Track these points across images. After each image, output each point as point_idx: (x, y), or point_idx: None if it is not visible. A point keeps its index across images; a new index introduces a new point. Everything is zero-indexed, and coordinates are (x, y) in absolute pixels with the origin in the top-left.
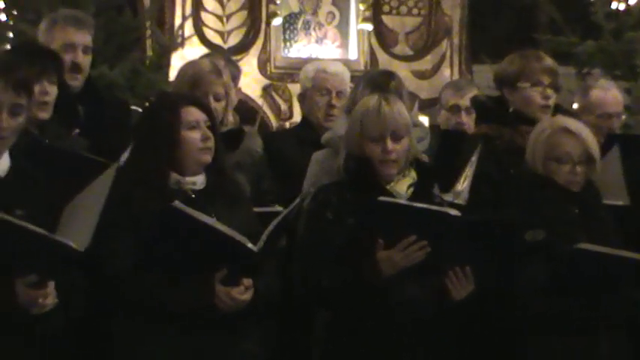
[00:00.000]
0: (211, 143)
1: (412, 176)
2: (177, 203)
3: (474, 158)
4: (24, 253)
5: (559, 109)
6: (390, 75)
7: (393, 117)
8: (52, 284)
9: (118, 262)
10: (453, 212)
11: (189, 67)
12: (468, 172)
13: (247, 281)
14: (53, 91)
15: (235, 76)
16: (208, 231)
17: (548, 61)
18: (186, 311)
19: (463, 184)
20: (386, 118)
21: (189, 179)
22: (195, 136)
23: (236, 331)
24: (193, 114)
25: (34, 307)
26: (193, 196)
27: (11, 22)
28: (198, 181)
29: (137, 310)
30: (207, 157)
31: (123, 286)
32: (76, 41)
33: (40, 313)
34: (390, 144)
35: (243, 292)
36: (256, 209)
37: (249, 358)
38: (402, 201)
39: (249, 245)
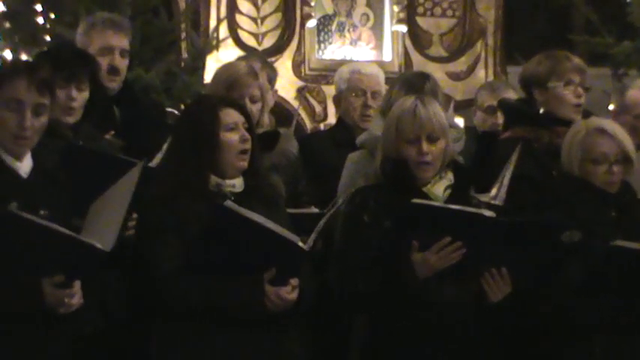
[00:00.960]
0: (249, 145)
1: (449, 178)
2: (228, 203)
3: (512, 159)
4: (50, 254)
5: (585, 113)
6: (425, 76)
7: (429, 118)
8: (77, 284)
9: (165, 264)
10: (488, 214)
11: (225, 70)
12: (506, 173)
13: (294, 281)
14: (81, 96)
15: (272, 78)
16: (260, 230)
17: (578, 60)
18: (236, 312)
19: (501, 186)
20: (422, 119)
21: (228, 182)
22: (233, 137)
23: (281, 332)
24: (232, 116)
25: (61, 307)
26: (232, 198)
27: (49, 26)
28: (237, 183)
29: (184, 312)
30: (244, 163)
31: (171, 288)
32: (113, 45)
33: (67, 313)
34: (425, 146)
35: (290, 292)
36: (292, 210)
37: (293, 358)
38: (436, 203)
39: (300, 244)
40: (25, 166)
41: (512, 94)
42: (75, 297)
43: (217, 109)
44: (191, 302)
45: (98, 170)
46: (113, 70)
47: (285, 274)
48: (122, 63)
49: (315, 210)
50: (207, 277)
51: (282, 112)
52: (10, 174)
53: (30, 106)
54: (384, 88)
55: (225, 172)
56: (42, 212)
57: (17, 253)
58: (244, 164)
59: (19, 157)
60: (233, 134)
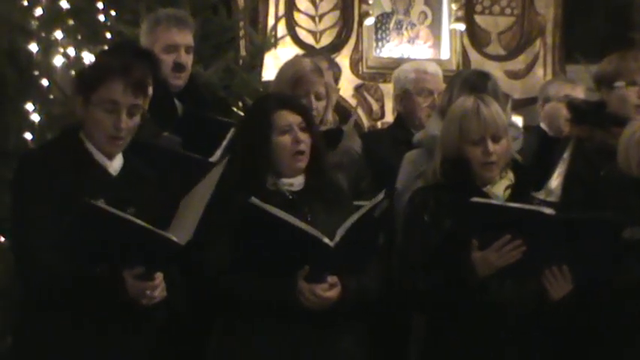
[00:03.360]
0: (304, 146)
1: (509, 178)
2: (253, 199)
3: (565, 156)
4: (129, 246)
5: None
6: (486, 76)
7: (493, 118)
8: (160, 276)
9: (216, 261)
10: (548, 211)
11: (290, 66)
12: (560, 169)
13: (332, 278)
14: None
15: (337, 77)
16: (284, 225)
17: None
18: (274, 308)
19: (555, 182)
20: (486, 120)
21: (286, 181)
22: (286, 140)
23: (334, 330)
24: (286, 118)
25: (143, 299)
26: (291, 197)
27: (109, 23)
28: (296, 182)
29: (236, 306)
30: (301, 164)
31: (219, 285)
32: (179, 42)
33: (149, 305)
34: (490, 146)
35: (327, 289)
36: (357, 202)
37: (348, 357)
38: (495, 201)
39: (325, 240)
40: (115, 164)
41: (581, 91)
42: (157, 289)
43: (271, 113)
44: (240, 296)
45: (181, 170)
46: (179, 67)
47: (319, 271)
48: (187, 59)
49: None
50: (247, 273)
51: (339, 110)
52: (101, 172)
53: (125, 107)
54: (444, 87)
55: (283, 172)
56: (129, 210)
57: (100, 245)
58: (301, 164)
59: (110, 156)
60: (286, 137)
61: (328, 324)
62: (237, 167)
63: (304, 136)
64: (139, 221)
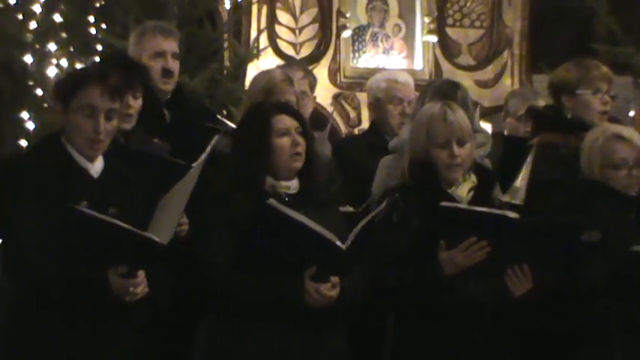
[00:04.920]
0: (301, 148)
1: (472, 180)
2: (271, 201)
3: (528, 160)
4: (113, 247)
5: (610, 118)
6: (456, 85)
7: (459, 124)
8: (141, 274)
9: (218, 259)
10: (512, 215)
11: (262, 77)
12: (524, 173)
13: (335, 278)
14: (136, 103)
15: (313, 85)
16: (299, 227)
17: (606, 69)
18: (279, 306)
19: (519, 185)
20: (452, 124)
21: (283, 183)
22: (285, 142)
23: (325, 329)
24: (284, 121)
25: (126, 296)
26: (287, 199)
27: (100, 36)
28: (292, 185)
29: (235, 306)
30: (297, 164)
31: (221, 282)
32: (165, 48)
33: (132, 302)
34: (456, 149)
35: (330, 289)
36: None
37: (338, 355)
38: (463, 205)
39: (338, 243)
40: (96, 167)
41: (542, 103)
42: (139, 286)
43: (270, 116)
44: (239, 296)
45: (159, 172)
46: (167, 73)
47: (325, 271)
48: (174, 65)
49: (349, 209)
50: (253, 272)
51: (318, 117)
52: (83, 174)
53: (103, 111)
54: (415, 95)
55: (280, 175)
56: (111, 210)
57: (85, 248)
58: (298, 164)
59: (91, 159)
60: (284, 139)
61: (319, 323)
62: (236, 169)
63: (301, 140)
64: (122, 224)
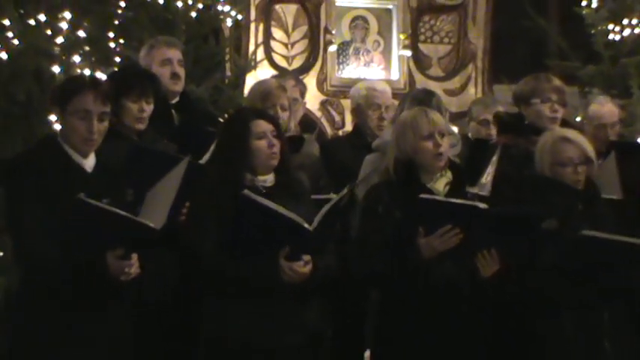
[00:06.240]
0: (276, 149)
1: (448, 176)
2: (246, 192)
3: (494, 159)
4: (111, 232)
5: (565, 123)
6: (431, 93)
7: (439, 118)
8: (135, 257)
9: (206, 243)
10: (482, 206)
11: (259, 85)
12: (490, 169)
13: (306, 257)
14: (149, 107)
15: (303, 93)
16: (272, 214)
17: (556, 82)
18: (258, 283)
19: (486, 179)
20: (433, 119)
21: (260, 178)
22: (262, 144)
23: (299, 302)
24: (261, 126)
25: (122, 275)
26: (264, 191)
27: (118, 49)
28: (268, 179)
29: (221, 283)
30: (274, 162)
31: (209, 263)
32: (171, 56)
33: (127, 280)
34: (439, 139)
35: (302, 266)
36: (315, 196)
37: (310, 325)
38: (440, 197)
39: (305, 225)
40: (90, 162)
41: (501, 108)
42: (133, 267)
43: (249, 121)
44: (224, 274)
45: (154, 164)
46: (175, 76)
47: (297, 251)
48: (180, 70)
49: (333, 196)
50: (233, 255)
51: (307, 120)
52: (78, 169)
53: (96, 114)
54: (392, 102)
55: (258, 170)
56: (104, 200)
57: (86, 233)
58: (274, 162)
59: (85, 156)
60: (262, 141)
61: (296, 298)
62: (219, 166)
63: (276, 141)
64: (119, 211)
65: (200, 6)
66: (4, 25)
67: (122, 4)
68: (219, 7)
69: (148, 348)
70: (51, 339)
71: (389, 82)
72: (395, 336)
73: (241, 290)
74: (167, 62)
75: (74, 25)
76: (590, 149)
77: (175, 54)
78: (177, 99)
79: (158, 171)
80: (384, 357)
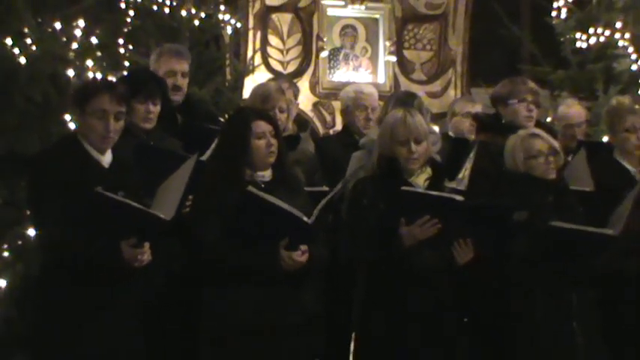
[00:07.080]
0: (274, 148)
1: (428, 172)
2: (250, 188)
3: (471, 156)
4: (126, 222)
5: (537, 123)
6: (413, 95)
7: (415, 126)
8: (147, 245)
9: (209, 234)
10: (458, 198)
11: (260, 88)
12: (467, 165)
13: (304, 247)
14: (156, 109)
15: (296, 94)
16: (274, 207)
17: (531, 84)
18: (260, 271)
19: (463, 174)
20: (410, 127)
21: (259, 173)
22: (261, 143)
23: (297, 287)
24: (261, 126)
25: (135, 262)
26: (263, 186)
27: (127, 54)
28: (266, 175)
29: (223, 271)
30: (271, 159)
31: (213, 253)
32: (176, 69)
33: (140, 267)
34: (413, 146)
35: (300, 255)
36: (309, 188)
37: (308, 307)
38: (420, 189)
39: (305, 218)
40: (107, 158)
41: (478, 107)
42: (145, 254)
43: (250, 121)
44: (226, 262)
45: (163, 162)
46: (176, 88)
47: (296, 241)
48: (183, 82)
49: (325, 188)
50: (238, 244)
51: (300, 120)
52: (96, 165)
53: (112, 114)
54: (379, 103)
55: (257, 167)
56: (120, 193)
57: (104, 223)
58: (271, 160)
59: (102, 152)
60: (261, 141)
61: (292, 282)
62: (221, 162)
63: (274, 141)
64: (133, 203)
65: (202, 15)
66: (23, 32)
67: (131, 13)
68: (220, 16)
69: (151, 336)
70: (71, 322)
71: (376, 85)
72: (378, 320)
73: (242, 278)
74: (171, 74)
75: (87, 32)
76: (555, 142)
77: (181, 66)
78: (181, 101)
79: (166, 167)
80: (367, 339)
